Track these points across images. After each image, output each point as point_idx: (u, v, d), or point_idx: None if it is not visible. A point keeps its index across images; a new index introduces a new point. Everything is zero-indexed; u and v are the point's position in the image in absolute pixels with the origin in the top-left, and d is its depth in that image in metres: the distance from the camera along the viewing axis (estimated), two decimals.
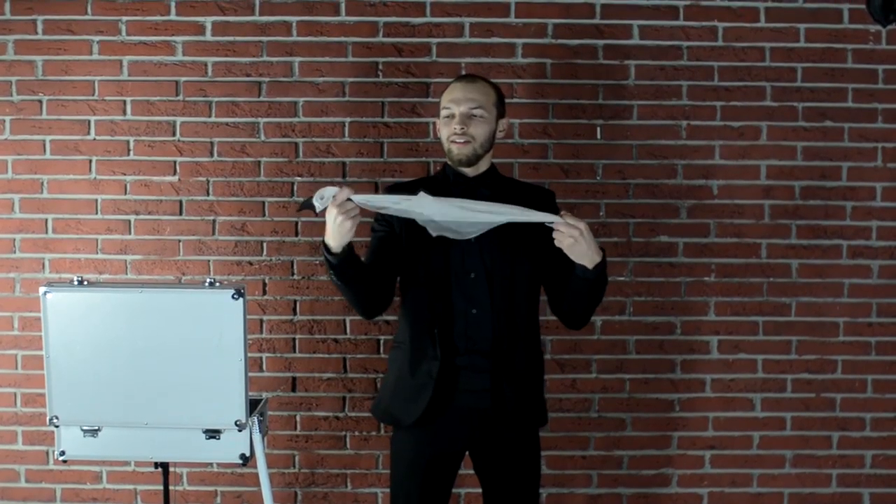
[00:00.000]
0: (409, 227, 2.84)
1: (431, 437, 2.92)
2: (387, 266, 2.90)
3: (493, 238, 2.82)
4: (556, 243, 2.67)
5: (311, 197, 2.63)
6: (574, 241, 2.64)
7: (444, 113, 2.93)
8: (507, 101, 3.71)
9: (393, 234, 2.92)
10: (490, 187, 2.94)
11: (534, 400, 3.01)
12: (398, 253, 2.91)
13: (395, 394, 2.96)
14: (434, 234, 2.70)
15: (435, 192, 2.78)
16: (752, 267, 3.82)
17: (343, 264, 2.68)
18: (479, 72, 3.71)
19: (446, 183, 2.96)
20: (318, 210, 2.63)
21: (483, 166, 2.96)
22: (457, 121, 2.88)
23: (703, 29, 3.77)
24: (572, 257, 2.70)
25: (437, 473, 2.98)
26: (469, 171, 2.94)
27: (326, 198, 2.62)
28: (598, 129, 3.79)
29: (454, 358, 2.87)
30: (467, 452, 3.02)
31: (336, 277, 2.71)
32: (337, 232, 2.61)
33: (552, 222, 2.66)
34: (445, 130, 2.91)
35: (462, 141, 2.87)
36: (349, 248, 2.66)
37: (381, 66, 3.77)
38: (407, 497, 2.98)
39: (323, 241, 2.67)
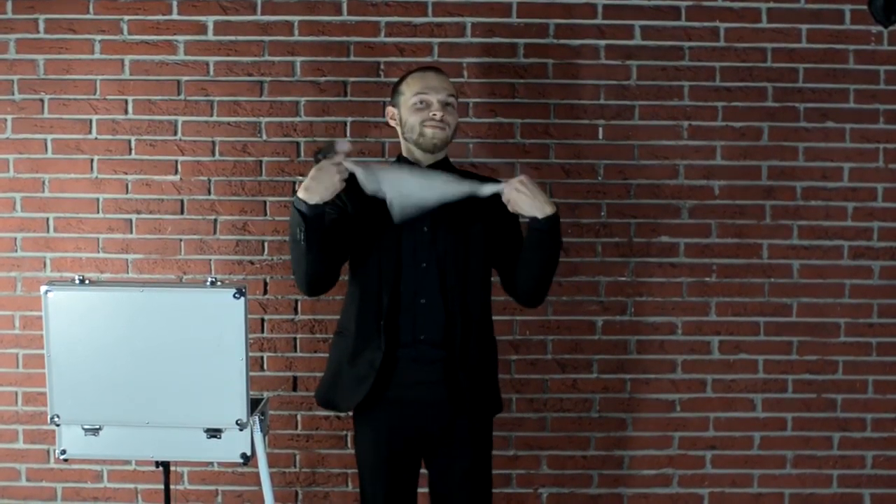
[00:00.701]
0: (364, 214, 2.88)
1: (387, 430, 2.95)
2: (337, 245, 2.90)
3: (447, 227, 2.89)
4: (512, 208, 2.82)
5: (329, 146, 2.73)
6: (525, 194, 2.79)
7: (415, 100, 2.95)
8: (508, 100, 3.75)
9: (346, 216, 2.92)
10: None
11: (488, 388, 3.05)
12: (349, 235, 2.91)
13: (335, 381, 3.00)
14: (397, 219, 2.79)
15: None
16: (753, 267, 3.82)
17: (315, 219, 2.73)
18: (480, 72, 3.72)
19: None
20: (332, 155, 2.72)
21: (440, 156, 3.02)
22: (436, 107, 2.93)
23: (705, 29, 3.77)
24: (527, 212, 2.81)
25: (399, 467, 3.00)
26: (425, 160, 2.99)
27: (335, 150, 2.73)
28: (600, 129, 3.79)
29: (397, 349, 2.90)
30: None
31: (302, 235, 2.74)
32: (322, 184, 2.70)
33: (500, 191, 2.82)
34: (417, 116, 2.94)
35: (439, 126, 2.92)
36: (323, 206, 2.74)
37: (382, 66, 3.77)
38: (373, 484, 3.01)
39: (296, 196, 2.74)
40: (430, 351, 2.91)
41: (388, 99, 3.73)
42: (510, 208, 2.82)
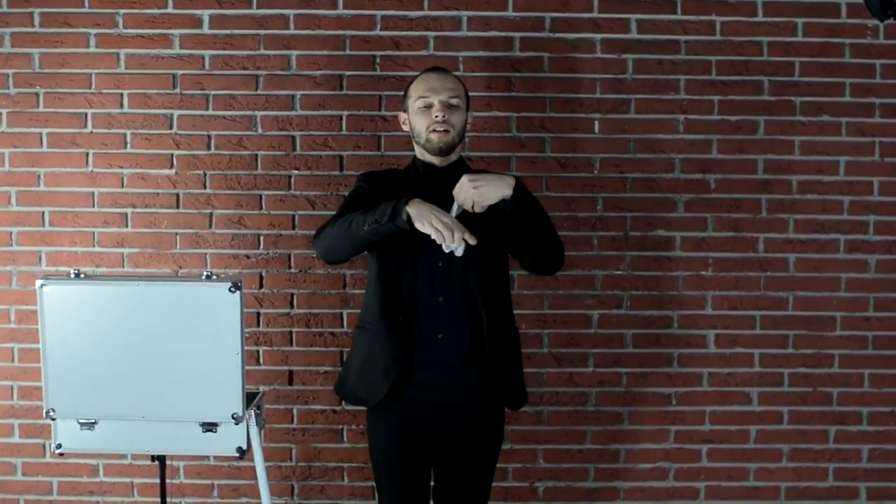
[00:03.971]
0: None
1: (399, 429, 2.97)
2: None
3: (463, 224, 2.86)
4: (480, 207, 2.78)
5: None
6: (475, 189, 2.76)
7: (419, 103, 2.96)
8: (505, 94, 3.74)
9: (370, 200, 2.94)
10: (458, 178, 2.92)
11: (517, 381, 3.07)
12: None
13: (361, 375, 3.01)
14: None
15: (405, 184, 2.93)
16: (749, 261, 3.82)
17: (392, 230, 2.76)
18: (476, 66, 3.72)
19: (416, 175, 3.02)
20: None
21: (453, 157, 3.02)
22: (437, 108, 2.93)
23: (701, 23, 3.76)
24: (490, 200, 2.78)
25: (410, 467, 3.02)
26: (438, 162, 2.99)
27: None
28: (596, 123, 3.78)
29: (413, 347, 2.91)
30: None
31: (374, 229, 2.77)
32: (429, 219, 2.69)
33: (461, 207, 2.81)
34: (423, 120, 2.95)
35: (443, 129, 2.93)
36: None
37: (378, 60, 3.76)
38: (389, 473, 3.03)
39: (406, 204, 2.74)
40: (449, 351, 2.92)
41: (385, 93, 3.76)
42: (478, 209, 2.79)
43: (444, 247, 2.73)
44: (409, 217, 2.73)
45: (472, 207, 2.79)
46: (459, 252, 2.74)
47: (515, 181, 2.80)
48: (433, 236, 2.70)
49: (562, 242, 3.01)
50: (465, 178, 2.78)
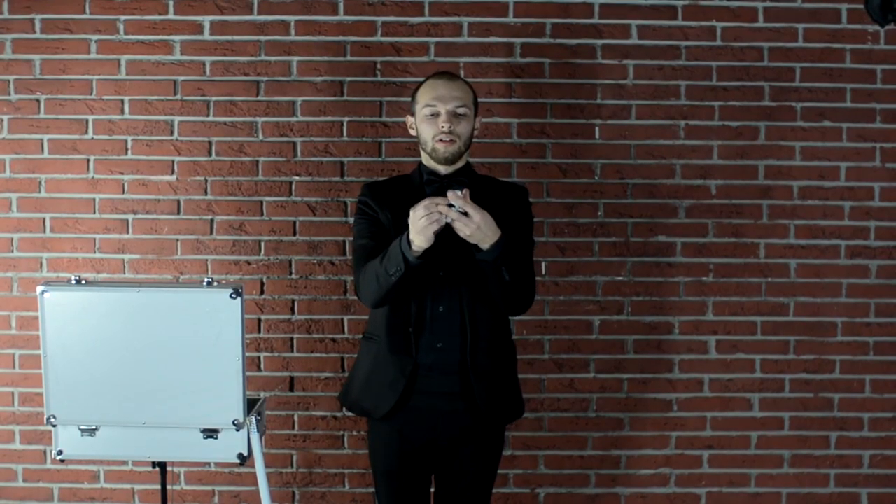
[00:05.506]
0: (395, 222, 2.87)
1: (400, 438, 2.96)
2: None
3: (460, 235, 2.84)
4: (459, 232, 2.71)
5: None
6: (476, 230, 2.69)
7: (426, 111, 2.93)
8: (505, 100, 3.74)
9: (380, 221, 2.94)
10: (463, 185, 2.89)
11: (506, 394, 3.04)
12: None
13: (367, 387, 3.00)
14: None
15: (409, 191, 2.89)
16: (750, 267, 3.82)
17: (417, 268, 2.73)
18: (477, 71, 3.72)
19: (420, 182, 3.00)
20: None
21: (459, 164, 2.99)
22: (444, 119, 2.90)
23: (702, 29, 3.77)
24: (472, 241, 2.73)
25: (410, 474, 3.01)
26: (442, 169, 2.97)
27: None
28: (597, 128, 3.78)
29: (420, 355, 2.91)
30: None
31: (401, 276, 2.73)
32: (422, 232, 2.66)
33: (452, 204, 2.69)
34: (430, 129, 2.92)
35: (448, 140, 2.90)
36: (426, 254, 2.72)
37: (379, 66, 3.76)
38: (388, 480, 3.02)
39: (407, 240, 2.71)
40: (447, 360, 2.91)
41: (386, 99, 3.76)
42: (459, 233, 2.72)
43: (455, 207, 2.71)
44: (416, 248, 2.71)
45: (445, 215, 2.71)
46: (458, 200, 2.69)
47: (500, 238, 2.74)
48: (442, 220, 2.67)
49: (534, 290, 2.97)
50: (482, 220, 2.69)
